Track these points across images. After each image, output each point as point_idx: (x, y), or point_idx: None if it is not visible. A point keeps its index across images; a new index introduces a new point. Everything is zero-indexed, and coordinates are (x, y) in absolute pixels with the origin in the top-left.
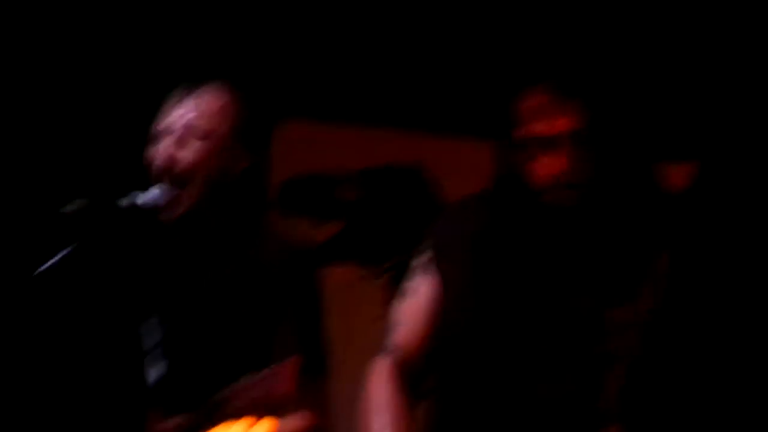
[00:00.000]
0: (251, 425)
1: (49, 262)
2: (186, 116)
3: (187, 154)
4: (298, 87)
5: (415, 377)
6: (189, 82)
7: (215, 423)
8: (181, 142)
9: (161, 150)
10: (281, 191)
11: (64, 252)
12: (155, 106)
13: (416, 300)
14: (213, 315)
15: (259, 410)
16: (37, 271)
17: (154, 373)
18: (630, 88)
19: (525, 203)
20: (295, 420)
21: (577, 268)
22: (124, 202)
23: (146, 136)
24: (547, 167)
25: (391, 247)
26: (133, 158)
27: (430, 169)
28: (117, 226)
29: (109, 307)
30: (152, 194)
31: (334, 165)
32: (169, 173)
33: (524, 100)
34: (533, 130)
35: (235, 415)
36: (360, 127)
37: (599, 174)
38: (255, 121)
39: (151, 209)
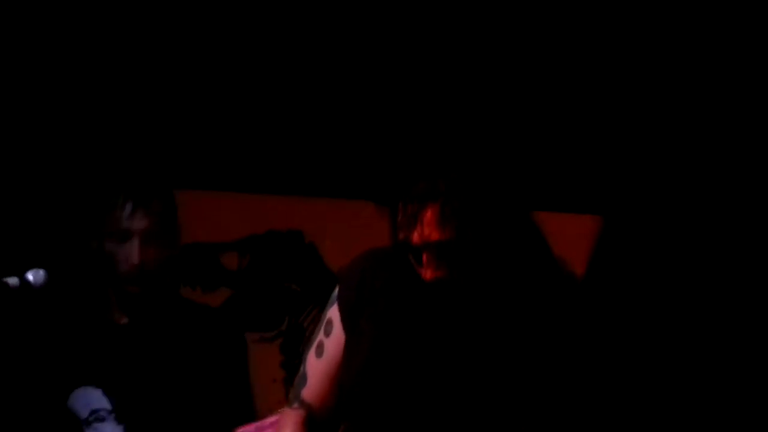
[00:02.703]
0: None
1: None
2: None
3: (151, 257)
4: (178, 158)
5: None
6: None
7: None
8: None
9: (129, 254)
10: None
11: None
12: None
13: (325, 358)
14: (166, 381)
15: None
16: None
17: None
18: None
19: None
20: None
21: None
22: (11, 281)
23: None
24: (427, 272)
25: (279, 312)
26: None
27: (308, 233)
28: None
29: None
30: (39, 274)
31: (217, 233)
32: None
33: (408, 199)
34: (410, 237)
35: None
36: (240, 194)
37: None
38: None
39: (40, 288)
